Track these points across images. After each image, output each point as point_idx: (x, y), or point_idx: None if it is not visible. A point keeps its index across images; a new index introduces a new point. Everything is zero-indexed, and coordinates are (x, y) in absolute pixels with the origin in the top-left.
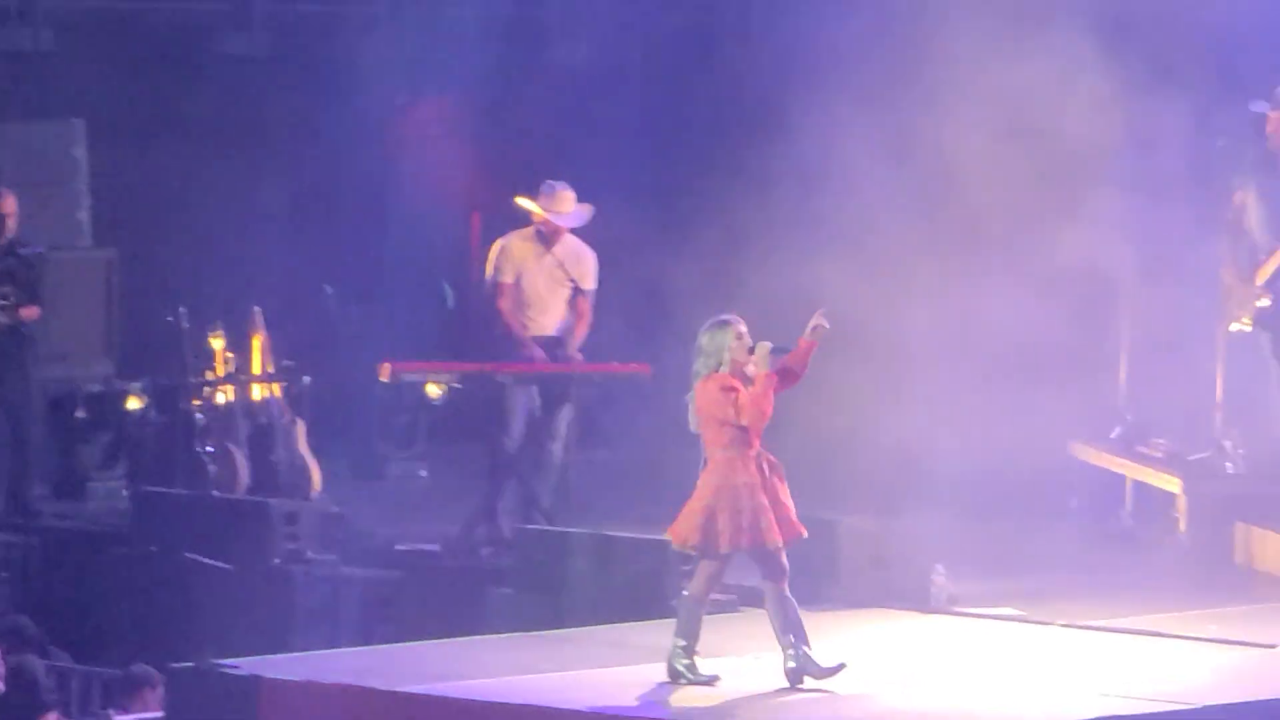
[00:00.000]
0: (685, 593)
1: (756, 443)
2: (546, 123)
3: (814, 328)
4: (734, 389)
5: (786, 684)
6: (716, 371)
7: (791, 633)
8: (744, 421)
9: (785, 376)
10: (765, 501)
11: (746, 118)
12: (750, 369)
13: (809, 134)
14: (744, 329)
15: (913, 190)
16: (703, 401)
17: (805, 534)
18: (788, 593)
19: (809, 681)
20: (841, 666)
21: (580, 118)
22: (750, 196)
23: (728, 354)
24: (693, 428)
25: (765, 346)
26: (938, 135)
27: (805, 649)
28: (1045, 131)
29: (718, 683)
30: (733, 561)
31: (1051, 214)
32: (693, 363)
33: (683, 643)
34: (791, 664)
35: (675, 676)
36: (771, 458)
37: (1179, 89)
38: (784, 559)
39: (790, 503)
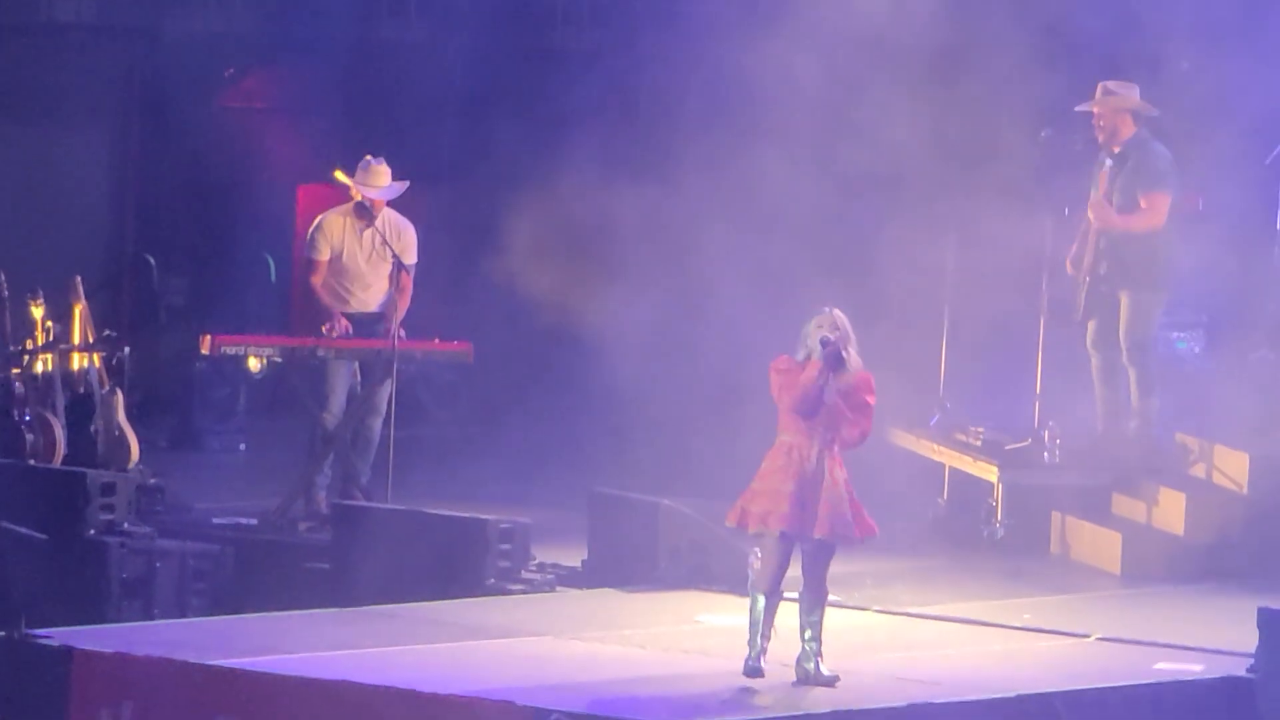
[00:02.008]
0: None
1: (812, 430)
2: (375, 97)
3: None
4: (780, 371)
5: (794, 675)
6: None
7: (810, 628)
8: (781, 404)
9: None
10: (790, 489)
11: (576, 97)
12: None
13: (639, 118)
14: (825, 319)
15: (739, 182)
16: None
17: (865, 534)
18: (826, 588)
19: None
20: (837, 678)
21: (408, 93)
22: (575, 176)
23: (809, 341)
24: None
25: (819, 334)
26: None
27: (817, 649)
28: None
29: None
30: (781, 547)
31: (877, 198)
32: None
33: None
34: (806, 662)
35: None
36: (836, 451)
37: (1018, 79)
38: (822, 551)
39: (843, 497)
